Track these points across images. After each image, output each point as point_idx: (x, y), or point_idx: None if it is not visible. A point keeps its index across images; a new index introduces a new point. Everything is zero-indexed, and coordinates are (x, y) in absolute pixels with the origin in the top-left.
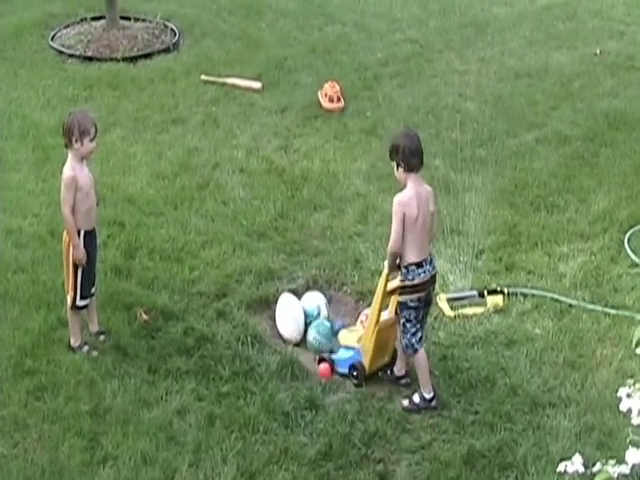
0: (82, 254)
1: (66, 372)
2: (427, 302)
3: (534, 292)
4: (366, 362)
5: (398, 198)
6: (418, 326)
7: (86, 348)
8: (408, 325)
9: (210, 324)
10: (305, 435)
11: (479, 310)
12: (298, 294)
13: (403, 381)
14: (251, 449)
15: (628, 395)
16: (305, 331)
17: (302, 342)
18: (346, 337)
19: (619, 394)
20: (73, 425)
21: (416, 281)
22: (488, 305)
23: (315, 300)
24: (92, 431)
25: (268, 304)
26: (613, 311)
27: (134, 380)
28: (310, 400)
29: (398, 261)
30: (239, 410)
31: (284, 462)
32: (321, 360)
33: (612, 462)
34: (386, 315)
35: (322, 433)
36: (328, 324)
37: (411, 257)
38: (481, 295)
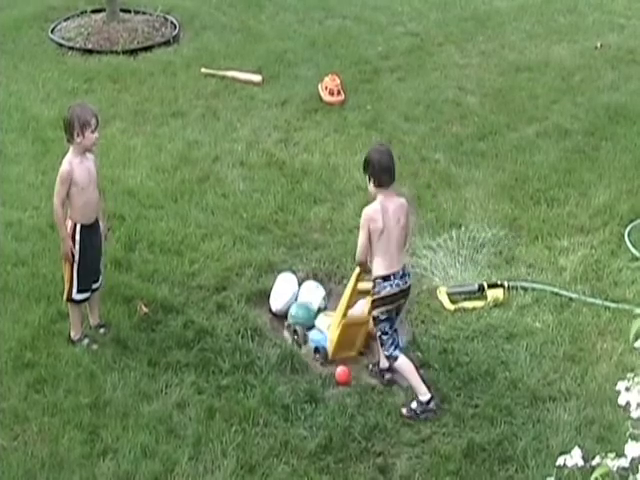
0: (69, 247)
1: (66, 365)
2: (396, 313)
3: (534, 286)
4: (329, 350)
5: (365, 211)
6: (395, 336)
7: (86, 341)
8: (385, 337)
9: (210, 317)
10: (305, 428)
11: (479, 304)
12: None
13: (387, 376)
14: (251, 442)
15: (627, 389)
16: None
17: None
18: (321, 320)
19: (618, 387)
20: (73, 418)
21: (382, 294)
22: (488, 299)
23: (308, 299)
24: (92, 424)
25: (268, 297)
26: (613, 305)
27: (134, 373)
28: (310, 393)
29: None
30: (239, 403)
31: (284, 455)
32: (295, 332)
33: (611, 455)
34: (358, 312)
35: (322, 426)
36: (313, 311)
37: (378, 270)
38: (480, 289)
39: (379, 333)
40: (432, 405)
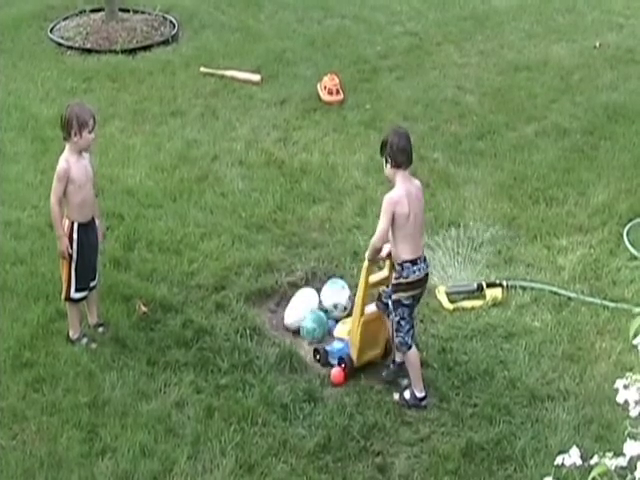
0: (65, 246)
1: (65, 364)
2: (417, 300)
3: (533, 285)
4: (354, 355)
5: (389, 196)
6: (412, 323)
7: (85, 340)
8: (403, 323)
9: (209, 316)
10: (304, 427)
11: (478, 303)
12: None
13: (385, 373)
14: (250, 441)
15: (625, 387)
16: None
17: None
18: (339, 329)
19: (616, 386)
20: (72, 417)
21: (410, 279)
22: (487, 298)
23: (334, 299)
24: (91, 423)
25: (267, 296)
26: (612, 304)
27: (133, 372)
28: (309, 392)
29: (384, 255)
30: (238, 402)
31: (283, 454)
32: (316, 352)
33: (610, 454)
34: (372, 308)
35: (321, 425)
36: (322, 314)
37: (405, 254)
38: (479, 288)
39: (397, 318)
40: (424, 403)
